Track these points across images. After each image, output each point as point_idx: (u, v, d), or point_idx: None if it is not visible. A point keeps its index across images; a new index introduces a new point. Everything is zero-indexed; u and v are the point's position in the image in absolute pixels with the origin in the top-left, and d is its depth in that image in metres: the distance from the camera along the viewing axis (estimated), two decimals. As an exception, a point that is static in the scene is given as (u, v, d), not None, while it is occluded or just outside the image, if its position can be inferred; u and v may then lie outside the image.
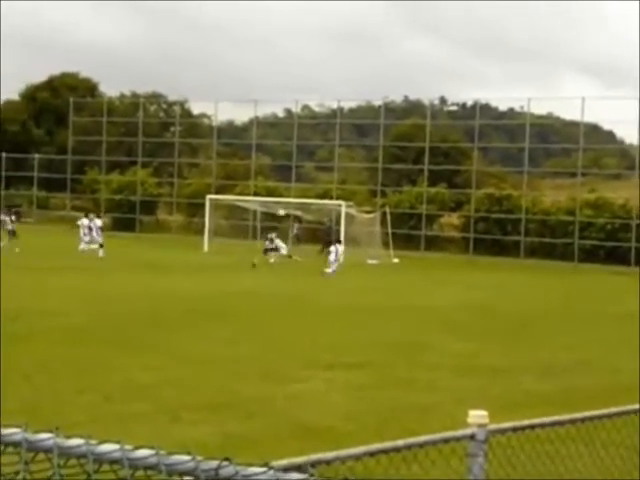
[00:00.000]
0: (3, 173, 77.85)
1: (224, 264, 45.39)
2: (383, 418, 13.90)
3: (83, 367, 17.20)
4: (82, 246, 50.24)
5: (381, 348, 21.24)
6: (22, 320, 23.11)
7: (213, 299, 29.80)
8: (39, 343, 19.64)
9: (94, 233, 51.14)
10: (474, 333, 24.37)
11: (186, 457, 2.10)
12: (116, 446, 2.15)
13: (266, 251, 48.73)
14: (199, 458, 2.10)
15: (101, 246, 49.21)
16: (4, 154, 77.89)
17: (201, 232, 57.66)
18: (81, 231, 51.75)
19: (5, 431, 2.18)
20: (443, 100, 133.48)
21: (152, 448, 2.14)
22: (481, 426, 5.00)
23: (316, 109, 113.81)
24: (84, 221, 52.04)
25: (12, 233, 52.14)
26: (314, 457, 4.35)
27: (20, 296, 28.09)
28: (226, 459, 2.08)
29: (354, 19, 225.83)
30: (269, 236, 50.26)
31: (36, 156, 78.58)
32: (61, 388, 15.25)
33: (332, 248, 44.63)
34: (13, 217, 54.35)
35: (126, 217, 71.75)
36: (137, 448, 2.15)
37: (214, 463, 2.08)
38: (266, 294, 32.08)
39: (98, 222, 52.19)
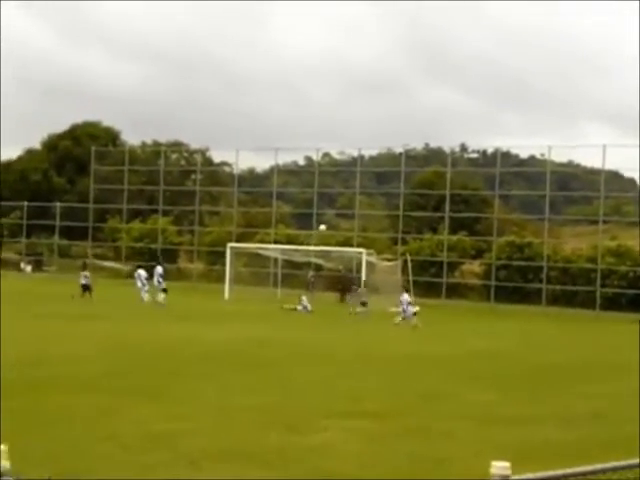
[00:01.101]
0: (25, 222, 78.30)
1: (245, 312, 45.34)
2: (402, 468, 13.77)
3: (102, 415, 17.14)
4: (144, 296, 50.40)
5: (401, 397, 21.10)
6: (43, 367, 23.12)
7: (233, 347, 29.73)
8: (59, 390, 19.61)
9: (155, 280, 51.31)
10: (494, 382, 24.18)
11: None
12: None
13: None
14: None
15: (164, 291, 49.56)
16: (26, 203, 78.39)
17: (222, 280, 57.69)
18: (138, 282, 51.80)
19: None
20: (464, 147, 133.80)
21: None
22: (504, 477, 4.94)
23: (337, 157, 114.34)
24: (141, 272, 52.15)
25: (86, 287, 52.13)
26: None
27: (41, 342, 28.14)
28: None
29: (375, 67, 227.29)
30: (301, 298, 50.63)
31: (57, 204, 79.06)
32: (80, 436, 15.19)
33: (403, 297, 44.82)
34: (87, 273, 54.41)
35: (147, 265, 71.87)
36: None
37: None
38: (287, 343, 31.98)
39: (159, 269, 52.36)
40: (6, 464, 1.90)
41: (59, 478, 2.44)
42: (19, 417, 16.39)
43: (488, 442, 15.71)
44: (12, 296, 48.66)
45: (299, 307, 49.11)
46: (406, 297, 44.04)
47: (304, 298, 50.40)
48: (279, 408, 18.86)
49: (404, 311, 43.20)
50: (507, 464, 5.01)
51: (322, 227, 50.23)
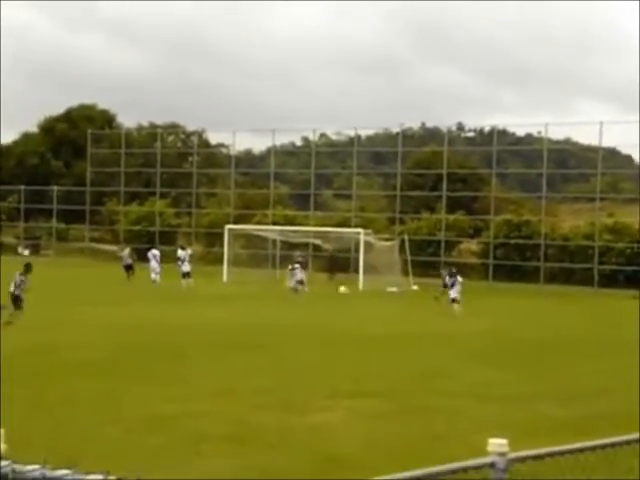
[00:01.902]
0: (22, 205, 78.27)
1: (244, 294, 45.39)
2: (403, 446, 13.85)
3: (105, 399, 17.22)
4: (155, 277, 50.72)
5: (401, 376, 21.19)
6: (45, 352, 23.18)
7: (233, 329, 29.80)
8: (62, 376, 19.68)
9: (179, 263, 51.52)
10: (494, 360, 24.27)
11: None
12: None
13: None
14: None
15: (188, 276, 50.03)
16: (23, 187, 78.35)
17: (220, 262, 57.68)
18: (153, 262, 52.11)
19: (25, 468, 2.19)
20: (460, 127, 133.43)
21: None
22: (501, 454, 4.98)
23: (334, 137, 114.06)
24: (181, 253, 52.30)
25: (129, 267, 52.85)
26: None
27: (42, 328, 28.19)
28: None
29: (371, 47, 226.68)
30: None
31: (55, 188, 79.01)
32: (84, 420, 15.26)
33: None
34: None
35: (145, 248, 71.88)
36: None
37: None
38: (286, 324, 32.04)
39: (184, 252, 52.50)
40: (4, 447, 1.94)
41: (56, 464, 2.47)
42: (23, 403, 16.46)
43: (488, 420, 15.80)
44: (10, 281, 48.66)
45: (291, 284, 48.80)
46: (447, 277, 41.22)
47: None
48: (279, 389, 18.94)
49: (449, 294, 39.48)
50: (504, 441, 5.05)
51: (342, 289, 49.89)
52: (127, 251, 55.60)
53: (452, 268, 42.82)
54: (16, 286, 30.21)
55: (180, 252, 52.61)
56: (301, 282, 47.95)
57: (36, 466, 2.18)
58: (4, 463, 2.23)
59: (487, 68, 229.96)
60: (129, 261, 54.21)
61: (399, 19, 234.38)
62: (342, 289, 50.48)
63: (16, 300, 29.81)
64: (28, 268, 31.28)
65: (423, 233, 65.03)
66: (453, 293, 38.64)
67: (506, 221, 64.01)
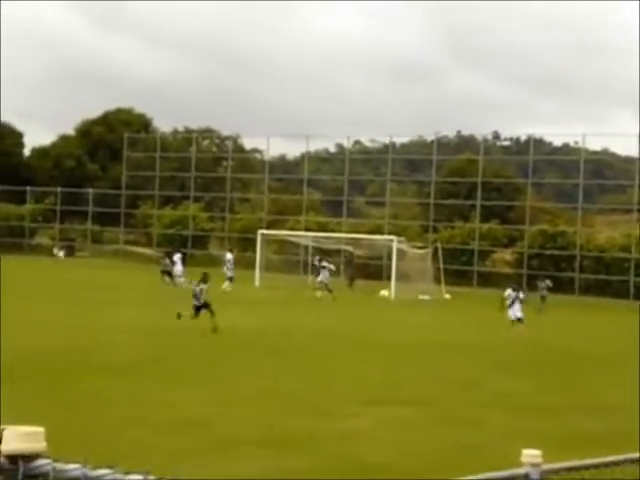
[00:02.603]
0: (58, 207, 78.78)
1: (275, 299, 45.44)
2: (435, 455, 13.79)
3: (135, 401, 17.27)
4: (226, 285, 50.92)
5: (433, 385, 21.12)
6: (78, 353, 23.30)
7: (264, 334, 29.82)
8: (94, 377, 19.76)
9: (225, 267, 51.75)
10: (526, 371, 24.15)
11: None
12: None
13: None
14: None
15: (230, 280, 50.09)
16: (59, 189, 78.86)
17: (252, 267, 57.78)
18: (225, 266, 52.19)
19: (65, 466, 2.20)
20: (496, 135, 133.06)
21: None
22: (535, 465, 4.93)
23: (368, 144, 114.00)
24: (229, 256, 52.60)
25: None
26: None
27: (75, 329, 28.34)
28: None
29: (407, 54, 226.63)
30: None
31: (90, 191, 79.48)
32: (114, 421, 15.32)
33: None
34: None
35: (178, 251, 72.14)
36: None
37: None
38: (317, 330, 32.03)
39: (228, 256, 52.84)
40: (44, 445, 1.96)
41: (94, 463, 2.47)
42: (54, 402, 16.55)
43: (520, 430, 15.70)
44: (46, 282, 49.09)
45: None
46: (511, 293, 36.10)
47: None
48: (310, 394, 18.92)
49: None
50: (538, 452, 5.00)
51: (384, 293, 49.35)
52: (167, 259, 55.75)
53: (515, 285, 38.55)
54: (197, 297, 30.97)
55: (229, 255, 52.89)
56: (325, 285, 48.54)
57: (77, 465, 2.19)
58: (45, 461, 2.25)
59: (524, 77, 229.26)
60: (169, 267, 54.34)
61: (436, 26, 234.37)
62: (383, 293, 50.79)
63: (204, 307, 30.74)
64: (205, 278, 31.76)
65: (456, 242, 64.85)
66: (515, 312, 34.79)
67: (541, 231, 63.73)
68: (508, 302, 35.51)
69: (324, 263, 51.63)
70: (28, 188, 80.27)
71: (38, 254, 75.74)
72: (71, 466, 2.19)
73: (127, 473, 2.18)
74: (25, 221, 79.87)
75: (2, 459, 2.26)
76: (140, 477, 2.14)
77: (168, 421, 15.52)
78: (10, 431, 2.28)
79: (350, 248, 62.13)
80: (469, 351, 27.94)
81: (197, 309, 31.05)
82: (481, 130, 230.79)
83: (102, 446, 12.97)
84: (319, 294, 47.95)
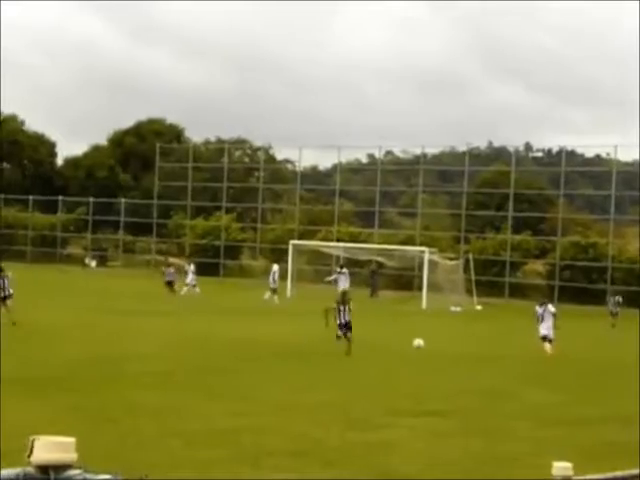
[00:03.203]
0: (91, 217, 79.19)
1: (307, 309, 45.40)
2: (466, 467, 13.75)
3: (167, 412, 17.33)
4: (267, 295, 51.12)
5: (464, 396, 21.06)
6: (110, 363, 23.41)
7: (296, 345, 29.84)
8: (124, 387, 19.85)
9: (270, 279, 51.93)
10: (557, 383, 24.03)
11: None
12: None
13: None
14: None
15: (274, 291, 50.49)
16: (91, 199, 79.27)
17: (284, 277, 57.84)
18: (270, 278, 52.40)
19: (96, 477, 2.22)
20: (528, 146, 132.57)
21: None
22: (566, 478, 4.94)
23: (399, 155, 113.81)
24: (275, 267, 52.81)
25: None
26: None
27: (108, 339, 28.49)
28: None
29: (437, 64, 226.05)
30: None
31: (122, 200, 79.81)
32: (146, 432, 15.38)
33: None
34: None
35: (210, 262, 72.37)
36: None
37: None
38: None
39: (275, 267, 53.02)
40: (74, 455, 1.97)
41: (126, 475, 2.49)
42: (86, 413, 16.64)
43: (550, 442, 15.63)
44: (78, 291, 49.34)
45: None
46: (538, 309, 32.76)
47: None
48: (341, 405, 18.92)
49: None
50: (569, 464, 5.01)
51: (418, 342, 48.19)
52: (172, 269, 55.61)
53: (544, 300, 34.91)
54: (342, 316, 29.83)
55: (275, 267, 53.01)
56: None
57: (108, 476, 2.21)
58: (76, 472, 2.27)
59: (555, 87, 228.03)
60: (171, 277, 54.10)
61: (465, 36, 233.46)
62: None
63: (346, 327, 29.55)
64: (345, 297, 31.40)
65: (488, 253, 64.62)
66: (543, 329, 31.66)
67: (573, 243, 63.41)
68: (538, 319, 32.14)
69: (344, 270, 52.20)
70: (60, 198, 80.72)
71: (70, 264, 76.14)
72: (102, 477, 2.21)
73: (156, 484, 2.20)
74: (57, 231, 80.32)
75: (33, 469, 2.28)
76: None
77: (199, 432, 15.56)
78: (41, 441, 2.30)
79: (380, 259, 62.06)
80: (500, 362, 27.84)
81: None
82: (513, 141, 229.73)
83: (134, 457, 13.03)
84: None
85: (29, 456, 2.29)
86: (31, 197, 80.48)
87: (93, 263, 78.41)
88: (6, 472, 2.21)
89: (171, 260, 67.10)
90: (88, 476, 2.23)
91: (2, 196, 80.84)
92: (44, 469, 2.27)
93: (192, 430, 15.65)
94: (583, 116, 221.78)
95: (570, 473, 4.96)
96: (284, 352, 27.65)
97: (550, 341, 31.27)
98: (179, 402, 18.34)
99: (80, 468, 2.28)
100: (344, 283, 51.66)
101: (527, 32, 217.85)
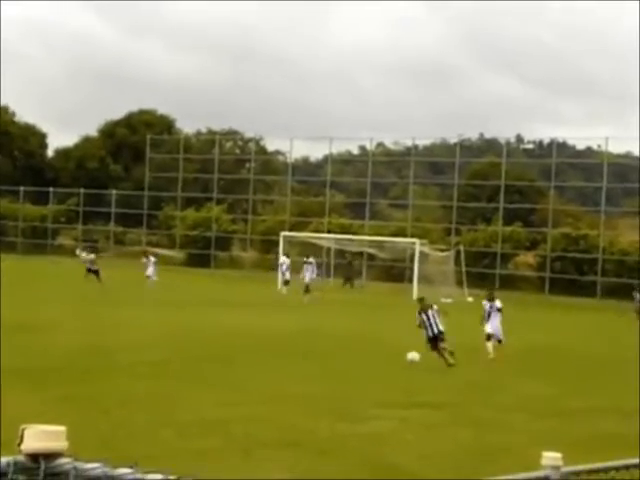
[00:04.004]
0: (81, 208, 79.07)
1: (298, 301, 45.45)
2: (457, 458, 13.78)
3: (158, 402, 17.33)
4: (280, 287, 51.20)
5: (454, 388, 21.09)
6: (101, 355, 23.39)
7: (286, 336, 29.86)
8: (117, 378, 19.84)
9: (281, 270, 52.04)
10: (549, 375, 24.07)
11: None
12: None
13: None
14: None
15: (288, 283, 50.84)
16: (82, 190, 79.15)
17: (275, 269, 57.86)
18: (280, 272, 52.77)
19: (85, 465, 2.22)
20: (519, 138, 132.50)
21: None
22: (555, 468, 4.92)
23: (391, 147, 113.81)
24: (285, 260, 52.75)
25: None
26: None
27: (99, 331, 28.45)
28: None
29: (429, 57, 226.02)
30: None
31: (113, 192, 79.73)
32: (138, 422, 15.37)
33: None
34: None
35: (201, 253, 72.34)
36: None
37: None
38: (338, 332, 32.02)
39: (284, 260, 53.25)
40: (65, 444, 1.97)
41: (117, 463, 2.47)
42: (79, 403, 16.62)
43: (543, 434, 15.66)
44: (69, 282, 49.28)
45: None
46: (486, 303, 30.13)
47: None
48: (331, 397, 18.93)
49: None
50: (559, 455, 4.99)
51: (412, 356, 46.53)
52: (93, 256, 54.44)
53: (492, 293, 31.58)
54: (432, 325, 26.10)
55: (285, 259, 53.01)
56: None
57: (97, 464, 2.21)
58: (66, 460, 2.26)
59: (547, 80, 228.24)
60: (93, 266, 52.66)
61: (457, 29, 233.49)
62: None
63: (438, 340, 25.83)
64: (423, 301, 27.87)
65: (479, 244, 64.71)
66: (489, 327, 28.71)
67: (564, 234, 63.51)
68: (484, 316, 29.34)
69: (311, 259, 52.51)
70: (51, 189, 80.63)
71: (61, 255, 76.04)
72: (92, 465, 2.20)
73: (147, 472, 2.19)
74: (48, 222, 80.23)
75: (24, 458, 2.28)
76: (160, 477, 2.15)
77: (191, 422, 15.57)
78: (31, 430, 2.30)
79: (370, 250, 62.16)
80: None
81: None
82: (504, 133, 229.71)
83: (126, 447, 13.02)
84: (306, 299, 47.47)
85: (19, 445, 2.29)
86: (22, 188, 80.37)
87: (84, 254, 78.25)
88: (-6, 461, 2.20)
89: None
90: (78, 465, 2.23)
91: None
92: (34, 458, 2.26)
93: (184, 420, 15.65)
94: (575, 108, 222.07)
95: (560, 463, 4.95)
96: (274, 344, 27.66)
97: (499, 341, 28.23)
98: (171, 392, 18.34)
99: (71, 457, 2.27)
100: (310, 275, 51.77)
101: (517, 25, 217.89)
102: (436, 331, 25.77)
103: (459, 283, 56.32)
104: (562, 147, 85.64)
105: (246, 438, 14.57)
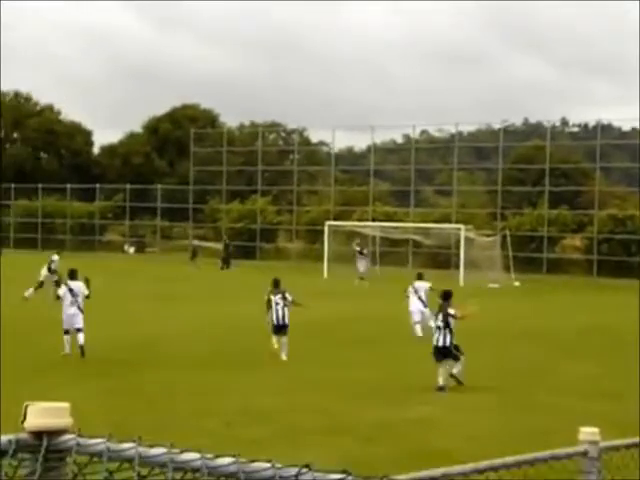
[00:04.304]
0: (128, 204, 79.57)
1: (344, 290, 45.43)
2: (505, 441, 13.68)
3: (205, 392, 17.39)
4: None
5: (503, 372, 20.98)
6: (149, 346, 23.54)
7: (333, 324, 29.85)
8: (163, 368, 19.95)
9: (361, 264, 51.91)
10: (598, 356, 23.87)
11: (266, 464, 2.08)
12: (196, 455, 2.14)
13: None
14: (279, 465, 2.08)
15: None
16: (128, 185, 79.65)
17: (320, 259, 57.86)
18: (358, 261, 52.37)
19: (88, 441, 2.18)
20: (564, 121, 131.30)
21: (233, 456, 2.12)
22: (593, 443, 4.85)
23: (435, 134, 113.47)
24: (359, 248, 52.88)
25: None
26: (421, 474, 4.28)
27: (147, 323, 28.64)
28: (306, 466, 2.06)
29: (471, 43, 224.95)
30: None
31: (159, 187, 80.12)
32: (184, 412, 15.44)
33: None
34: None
35: (246, 245, 72.52)
36: (217, 457, 2.14)
37: (293, 470, 2.06)
38: (386, 319, 31.95)
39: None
40: (69, 421, 1.94)
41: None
42: (124, 395, 16.73)
43: (592, 415, 15.49)
44: (117, 278, 49.61)
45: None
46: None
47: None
48: (379, 383, 18.91)
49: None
50: (596, 430, 4.93)
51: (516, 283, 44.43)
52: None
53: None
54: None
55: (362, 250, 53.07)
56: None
57: (101, 440, 2.17)
58: (69, 437, 2.23)
59: (592, 61, 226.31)
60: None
61: (499, 15, 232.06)
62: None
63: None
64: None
65: (525, 229, 64.25)
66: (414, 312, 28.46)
67: (610, 216, 62.90)
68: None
69: (365, 251, 52.41)
70: (98, 186, 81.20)
71: (109, 251, 76.65)
72: (95, 440, 2.17)
73: (151, 446, 2.16)
74: (95, 218, 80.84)
75: (27, 435, 2.25)
76: (163, 450, 2.11)
77: (237, 411, 15.60)
78: (34, 407, 2.26)
79: (418, 237, 61.98)
80: (539, 338, 27.71)
81: None
82: (549, 117, 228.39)
83: (172, 438, 13.01)
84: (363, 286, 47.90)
85: (22, 422, 2.26)
86: (69, 186, 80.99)
87: (132, 249, 78.91)
88: (-4, 439, 2.18)
89: (206, 244, 67.42)
90: (81, 441, 2.19)
91: (40, 186, 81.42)
92: (38, 435, 2.23)
93: (230, 410, 15.69)
94: (619, 90, 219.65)
95: (597, 438, 4.88)
96: (320, 332, 27.68)
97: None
98: (216, 382, 18.39)
99: (74, 433, 2.24)
100: (365, 265, 51.76)
101: (559, 8, 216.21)
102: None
103: (506, 268, 55.96)
104: (607, 129, 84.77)
105: (293, 426, 14.58)
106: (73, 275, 24.00)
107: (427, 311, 28.04)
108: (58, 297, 23.61)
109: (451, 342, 19.59)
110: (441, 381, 18.69)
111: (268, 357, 22.31)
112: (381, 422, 15.12)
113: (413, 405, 16.69)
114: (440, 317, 20.02)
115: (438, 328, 19.84)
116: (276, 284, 24.51)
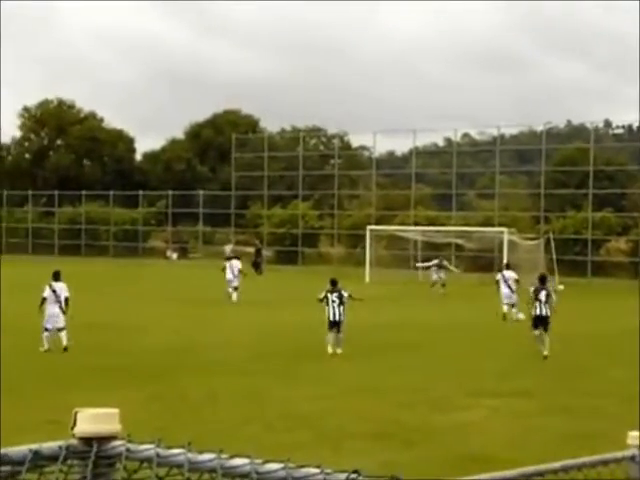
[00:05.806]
0: (170, 210, 79.98)
1: (386, 295, 45.35)
2: (548, 446, 13.60)
3: (248, 397, 17.43)
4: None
5: (544, 375, 20.86)
6: (191, 352, 23.63)
7: (375, 329, 29.81)
8: (205, 374, 20.01)
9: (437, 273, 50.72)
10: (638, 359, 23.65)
11: (315, 470, 2.09)
12: (245, 460, 2.15)
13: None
14: (328, 470, 2.09)
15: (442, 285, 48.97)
16: (171, 192, 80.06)
17: (362, 263, 57.80)
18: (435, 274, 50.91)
19: (138, 447, 2.20)
20: (608, 123, 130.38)
21: (282, 462, 2.13)
22: (642, 447, 4.79)
23: (476, 137, 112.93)
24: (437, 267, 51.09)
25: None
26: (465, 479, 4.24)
27: (190, 329, 28.77)
28: (355, 471, 2.06)
29: (513, 46, 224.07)
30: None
31: (201, 193, 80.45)
32: (226, 418, 15.48)
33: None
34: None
35: (289, 250, 72.61)
36: (266, 462, 2.15)
37: (342, 476, 2.06)
38: (428, 324, 31.89)
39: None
40: (118, 427, 1.96)
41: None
42: (167, 402, 16.81)
43: (632, 419, 15.37)
44: (161, 284, 49.90)
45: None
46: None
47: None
48: (421, 388, 18.86)
49: None
50: (644, 432, 4.85)
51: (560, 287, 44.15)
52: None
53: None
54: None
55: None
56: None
57: (150, 446, 2.19)
58: (118, 443, 2.25)
59: (635, 63, 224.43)
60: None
61: (538, 17, 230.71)
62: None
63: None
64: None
65: (569, 232, 63.83)
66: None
67: (656, 218, 62.39)
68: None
69: (445, 263, 51.66)
70: (141, 192, 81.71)
71: (152, 257, 77.07)
72: (144, 447, 2.19)
73: (200, 452, 2.17)
74: (138, 225, 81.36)
75: (77, 441, 2.27)
76: (212, 456, 2.12)
77: (279, 416, 15.62)
78: (84, 413, 2.29)
79: (461, 241, 61.72)
80: (581, 341, 27.57)
81: None
82: (592, 119, 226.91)
83: (215, 444, 13.06)
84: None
85: (72, 428, 2.28)
86: (112, 192, 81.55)
87: (174, 255, 79.30)
88: (48, 445, 2.20)
89: (248, 249, 67.48)
90: (131, 446, 2.21)
91: (84, 193, 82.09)
92: (87, 441, 2.25)
93: (272, 415, 15.72)
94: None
95: (646, 442, 4.81)
96: (361, 337, 27.61)
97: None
98: (259, 388, 18.43)
99: (124, 439, 2.26)
100: (438, 274, 50.75)
101: (598, 9, 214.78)
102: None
103: (550, 271, 55.57)
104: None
105: (335, 431, 14.57)
106: (57, 276, 25.06)
107: (514, 296, 35.63)
108: (44, 299, 24.37)
109: (547, 314, 25.39)
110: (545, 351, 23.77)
111: (309, 361, 22.30)
112: (424, 427, 15.09)
113: (457, 409, 16.64)
114: (543, 292, 26.00)
115: (539, 301, 25.51)
116: (333, 283, 26.80)
